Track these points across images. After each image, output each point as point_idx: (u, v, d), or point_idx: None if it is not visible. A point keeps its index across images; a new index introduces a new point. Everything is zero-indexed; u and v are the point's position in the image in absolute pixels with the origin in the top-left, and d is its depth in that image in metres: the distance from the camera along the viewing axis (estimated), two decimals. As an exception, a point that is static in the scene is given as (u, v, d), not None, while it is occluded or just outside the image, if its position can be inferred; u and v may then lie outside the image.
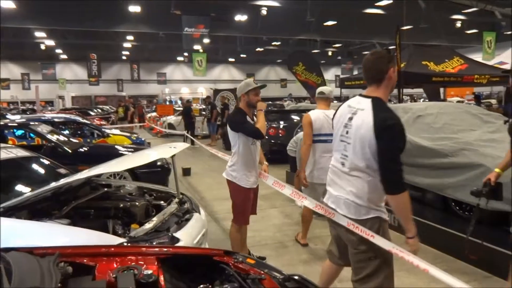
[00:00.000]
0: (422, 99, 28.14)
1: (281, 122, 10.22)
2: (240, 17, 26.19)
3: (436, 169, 4.49)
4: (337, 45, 40.60)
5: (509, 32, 33.37)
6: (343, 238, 2.39)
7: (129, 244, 2.73)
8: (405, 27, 29.69)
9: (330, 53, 41.84)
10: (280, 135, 9.72)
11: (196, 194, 6.92)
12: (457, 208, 4.50)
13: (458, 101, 22.60)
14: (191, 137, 10.30)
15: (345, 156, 2.26)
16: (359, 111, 2.21)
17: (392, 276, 2.30)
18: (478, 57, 20.68)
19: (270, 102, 25.83)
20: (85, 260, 1.92)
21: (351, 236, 2.27)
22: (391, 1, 24.88)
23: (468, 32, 31.56)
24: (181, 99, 22.40)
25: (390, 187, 2.10)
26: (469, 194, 4.06)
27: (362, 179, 2.19)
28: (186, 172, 8.47)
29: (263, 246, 4.40)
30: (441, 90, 20.73)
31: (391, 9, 25.59)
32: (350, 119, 2.23)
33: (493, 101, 23.91)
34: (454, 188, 4.26)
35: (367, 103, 2.19)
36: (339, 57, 44.01)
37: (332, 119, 2.47)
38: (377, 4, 25.83)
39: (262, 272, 2.01)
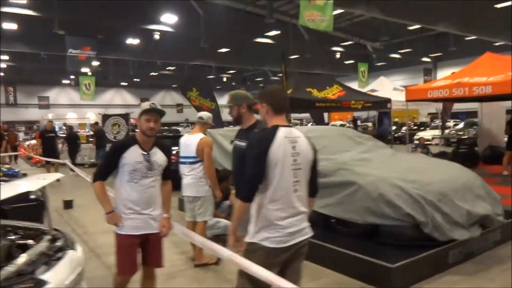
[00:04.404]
0: (310, 123, 30.19)
1: (174, 148, 10.01)
2: (132, 41, 25.55)
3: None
4: (231, 72, 41.88)
5: (379, 64, 38.04)
6: (297, 257, 2.46)
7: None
8: (292, 56, 32.06)
9: (225, 79, 42.95)
10: (173, 161, 9.48)
11: (78, 229, 6.34)
12: (337, 225, 4.81)
13: (341, 124, 24.73)
14: (71, 165, 9.52)
15: (297, 181, 2.36)
16: (297, 139, 2.37)
17: None
18: (354, 85, 23.09)
19: (166, 128, 25.35)
20: None
21: (306, 249, 2.50)
22: (279, 32, 26.58)
23: (346, 62, 35.14)
24: (64, 125, 20.69)
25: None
26: (345, 211, 4.43)
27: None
28: (68, 204, 7.74)
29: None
30: (325, 114, 22.52)
31: (279, 39, 27.34)
32: (294, 147, 2.33)
33: (370, 124, 26.72)
34: (332, 206, 4.56)
35: (297, 131, 2.42)
36: (234, 83, 45.37)
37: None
38: (266, 34, 27.36)
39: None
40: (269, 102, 2.44)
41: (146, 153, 3.02)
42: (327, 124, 16.29)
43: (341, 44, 32.43)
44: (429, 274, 3.98)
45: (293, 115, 36.36)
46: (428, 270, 3.99)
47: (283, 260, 2.38)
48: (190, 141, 4.51)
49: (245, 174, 2.33)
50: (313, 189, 2.52)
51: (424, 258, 3.97)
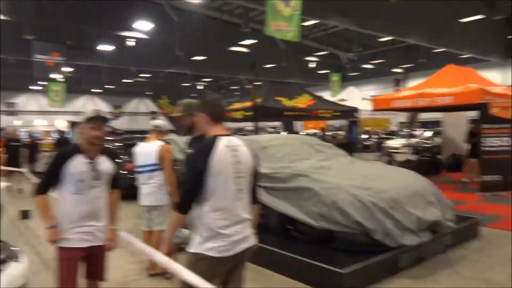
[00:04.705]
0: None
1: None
2: (105, 47, 25.22)
3: (278, 191, 4.86)
4: (207, 80, 41.84)
5: (352, 74, 38.78)
6: (241, 264, 2.49)
7: None
8: (268, 65, 32.36)
9: (200, 87, 42.85)
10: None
11: (33, 240, 6.16)
12: (292, 230, 4.88)
13: (314, 133, 25.01)
14: (28, 174, 9.29)
15: (240, 190, 2.38)
16: (238, 147, 2.39)
17: None
18: (328, 94, 23.52)
19: (139, 135, 25.05)
20: None
21: (250, 255, 2.50)
22: (255, 41, 26.80)
23: (321, 72, 35.70)
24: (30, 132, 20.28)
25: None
26: (302, 213, 4.51)
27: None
28: (25, 215, 7.49)
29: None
30: (301, 123, 22.48)
31: (254, 48, 27.55)
32: (235, 156, 2.35)
33: (342, 133, 27.12)
34: (291, 208, 4.63)
35: (237, 140, 2.43)
36: (208, 91, 45.36)
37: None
38: (241, 43, 27.52)
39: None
40: (208, 111, 2.47)
41: (91, 162, 2.89)
42: (297, 132, 16.44)
43: (316, 54, 32.96)
44: (380, 278, 4.06)
45: (268, 124, 36.61)
46: (379, 275, 4.08)
47: (227, 269, 2.40)
48: (148, 149, 4.48)
49: (183, 186, 2.34)
50: (254, 196, 2.54)
51: (375, 263, 4.06)
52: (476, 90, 9.09)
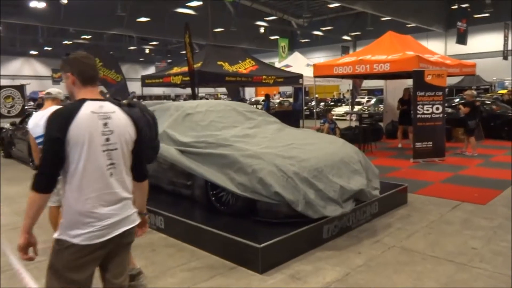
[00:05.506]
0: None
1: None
2: (37, 4, 23.17)
3: (198, 156, 4.59)
4: (154, 43, 40.00)
5: (304, 40, 38.54)
6: (121, 248, 2.14)
7: None
8: (217, 29, 31.27)
9: (147, 51, 41.00)
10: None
11: None
12: (216, 203, 4.64)
13: (263, 100, 24.71)
14: None
15: (112, 164, 2.01)
16: (111, 114, 2.03)
17: None
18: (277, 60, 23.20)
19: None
20: None
21: (133, 238, 2.21)
22: (201, 3, 25.68)
23: (272, 38, 35.20)
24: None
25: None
26: (220, 178, 4.27)
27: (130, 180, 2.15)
28: None
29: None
30: (253, 89, 21.78)
31: (202, 11, 26.44)
32: (105, 124, 1.98)
33: (291, 100, 27.08)
34: (211, 173, 4.36)
35: (112, 106, 2.06)
36: (155, 55, 43.54)
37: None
38: (188, 4, 26.29)
39: None
40: (75, 71, 2.04)
41: None
42: (243, 100, 16.11)
43: (266, 19, 32.29)
44: (302, 251, 3.93)
45: (219, 90, 35.90)
46: (301, 247, 3.94)
47: (101, 255, 2.04)
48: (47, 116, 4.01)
49: (41, 159, 1.92)
50: (138, 173, 2.20)
51: (297, 235, 3.90)
52: (412, 58, 9.12)
